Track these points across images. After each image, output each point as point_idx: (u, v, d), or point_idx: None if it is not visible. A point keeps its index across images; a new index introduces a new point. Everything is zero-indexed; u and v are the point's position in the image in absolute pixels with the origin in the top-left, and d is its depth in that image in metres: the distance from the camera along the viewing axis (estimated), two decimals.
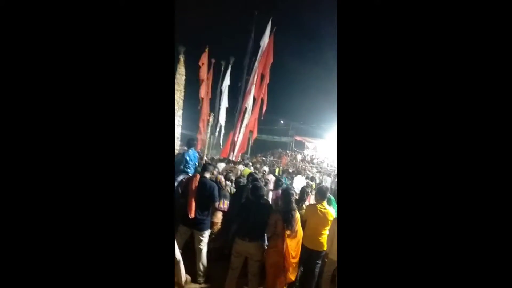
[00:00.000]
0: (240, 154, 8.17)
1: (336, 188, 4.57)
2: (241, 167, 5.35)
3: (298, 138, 19.60)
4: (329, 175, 7.80)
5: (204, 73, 8.53)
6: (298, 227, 2.26)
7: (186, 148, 3.91)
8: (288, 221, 2.16)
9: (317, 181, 5.71)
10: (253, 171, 4.57)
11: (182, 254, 2.34)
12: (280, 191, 2.84)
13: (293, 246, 2.20)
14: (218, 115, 9.27)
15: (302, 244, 2.33)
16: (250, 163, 6.44)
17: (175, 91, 8.37)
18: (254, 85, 7.67)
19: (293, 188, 2.74)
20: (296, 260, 2.25)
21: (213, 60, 9.05)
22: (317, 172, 8.81)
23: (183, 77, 8.82)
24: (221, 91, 9.34)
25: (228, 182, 3.63)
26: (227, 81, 9.20)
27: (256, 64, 7.69)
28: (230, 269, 2.25)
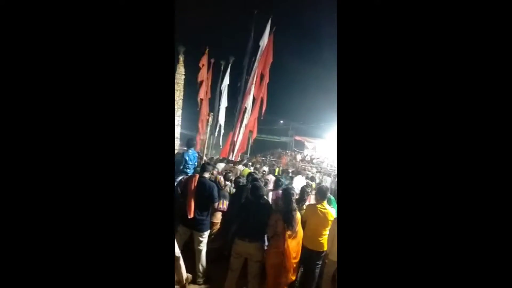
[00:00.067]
0: (239, 154, 8.18)
1: (336, 188, 4.56)
2: (240, 167, 5.34)
3: (297, 138, 19.59)
4: (329, 175, 7.79)
5: (203, 74, 8.54)
6: (299, 227, 2.26)
7: (185, 148, 3.90)
8: (288, 221, 2.14)
9: (317, 181, 5.70)
10: (252, 171, 4.56)
11: (182, 253, 2.34)
12: (280, 191, 2.83)
13: (293, 246, 2.19)
14: (218, 115, 9.26)
15: (302, 245, 2.32)
16: (250, 163, 6.44)
17: (175, 91, 8.37)
18: (253, 85, 7.68)
19: (293, 188, 2.73)
20: (296, 260, 2.24)
21: (212, 60, 9.05)
22: (317, 172, 8.80)
23: (183, 77, 8.82)
24: (220, 91, 9.34)
25: (227, 182, 3.62)
26: (226, 81, 9.19)
27: (255, 64, 7.70)
28: (230, 270, 2.25)
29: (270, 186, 3.58)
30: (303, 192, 2.87)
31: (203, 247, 2.55)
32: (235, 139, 7.79)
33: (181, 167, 3.54)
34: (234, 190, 3.42)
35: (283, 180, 3.23)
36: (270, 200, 2.87)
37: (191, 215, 2.46)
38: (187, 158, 3.58)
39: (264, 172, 5.49)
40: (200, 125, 8.91)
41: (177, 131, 8.96)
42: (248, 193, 2.42)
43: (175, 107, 8.49)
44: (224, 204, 2.95)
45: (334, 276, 2.32)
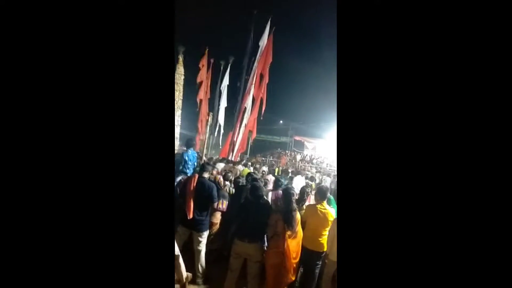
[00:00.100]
0: (239, 154, 8.17)
1: (335, 188, 4.56)
2: (240, 167, 5.33)
3: (297, 138, 19.60)
4: (328, 175, 7.80)
5: (203, 74, 8.54)
6: (299, 227, 2.25)
7: (185, 148, 3.89)
8: (289, 222, 2.14)
9: (317, 181, 5.70)
10: (252, 171, 4.56)
11: (181, 253, 2.34)
12: (280, 191, 2.83)
13: (293, 246, 2.19)
14: (217, 115, 9.26)
15: (302, 245, 2.32)
16: (250, 163, 6.43)
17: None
18: (253, 85, 7.67)
19: (293, 188, 2.73)
20: (296, 260, 2.24)
21: (212, 60, 9.05)
22: (316, 172, 8.81)
23: (182, 77, 8.81)
24: (220, 91, 9.33)
25: (227, 182, 3.61)
26: (226, 81, 9.19)
27: (255, 64, 7.69)
28: (229, 271, 2.24)
29: (270, 186, 3.58)
30: (303, 192, 2.87)
31: (203, 248, 2.55)
32: (235, 139, 7.78)
33: (181, 167, 3.54)
34: (233, 190, 3.42)
35: (282, 180, 3.22)
36: (269, 200, 2.87)
37: (190, 216, 2.46)
38: (186, 158, 3.58)
39: (263, 172, 5.49)
40: (199, 125, 8.90)
41: (177, 131, 8.95)
42: (247, 193, 2.41)
43: (175, 107, 8.48)
44: (223, 204, 2.94)
45: (334, 276, 2.31)
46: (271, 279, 2.17)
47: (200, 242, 2.53)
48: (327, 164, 12.48)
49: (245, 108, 7.84)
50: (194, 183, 2.54)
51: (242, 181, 3.39)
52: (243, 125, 7.84)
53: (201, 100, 8.74)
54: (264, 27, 7.61)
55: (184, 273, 2.36)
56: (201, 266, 2.53)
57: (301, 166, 11.45)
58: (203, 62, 8.52)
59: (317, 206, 2.46)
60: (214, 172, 3.92)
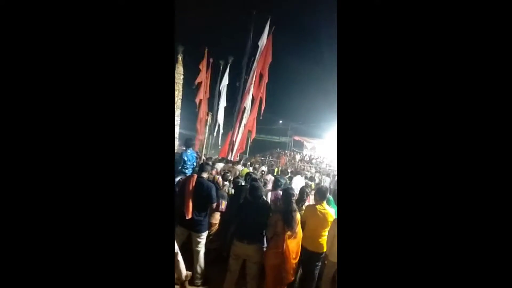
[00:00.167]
0: (238, 154, 8.16)
1: (334, 188, 4.56)
2: (239, 167, 5.33)
3: (296, 138, 19.62)
4: (328, 175, 7.80)
5: (202, 75, 8.54)
6: (298, 228, 2.25)
7: (184, 148, 3.88)
8: (288, 222, 2.13)
9: (316, 181, 5.70)
10: (251, 171, 4.55)
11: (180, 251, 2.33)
12: (279, 192, 2.83)
13: (293, 247, 2.18)
14: (217, 115, 9.25)
15: (302, 246, 2.32)
16: (249, 163, 6.43)
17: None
18: (252, 85, 7.67)
19: (293, 188, 2.72)
20: (296, 261, 2.24)
21: (211, 60, 9.03)
22: (316, 172, 8.82)
23: (182, 77, 8.78)
24: (219, 91, 9.33)
25: (226, 183, 3.61)
26: (225, 81, 9.18)
27: (254, 63, 7.69)
28: (228, 271, 2.24)
29: (269, 186, 3.57)
30: (303, 192, 2.86)
31: (201, 248, 2.53)
32: (234, 139, 7.78)
33: (180, 167, 3.53)
34: (232, 190, 3.41)
35: (282, 180, 3.22)
36: (269, 200, 2.86)
37: (189, 216, 2.45)
38: (185, 158, 3.56)
39: (263, 172, 5.49)
40: (198, 125, 8.89)
41: (176, 131, 8.92)
42: (246, 194, 2.40)
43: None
44: (222, 205, 2.94)
45: (334, 277, 2.31)
46: (271, 280, 2.17)
47: (199, 243, 2.51)
48: (326, 164, 12.49)
49: (245, 108, 7.83)
50: (193, 183, 2.53)
51: (241, 181, 3.39)
52: (242, 125, 7.84)
53: (200, 100, 8.73)
54: (264, 27, 7.61)
55: (184, 272, 2.34)
56: (200, 266, 2.52)
57: (300, 166, 11.46)
58: (203, 64, 8.52)
59: (316, 206, 2.46)
60: (213, 172, 3.92)
